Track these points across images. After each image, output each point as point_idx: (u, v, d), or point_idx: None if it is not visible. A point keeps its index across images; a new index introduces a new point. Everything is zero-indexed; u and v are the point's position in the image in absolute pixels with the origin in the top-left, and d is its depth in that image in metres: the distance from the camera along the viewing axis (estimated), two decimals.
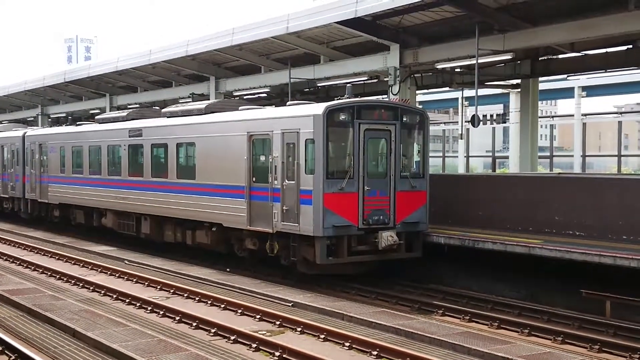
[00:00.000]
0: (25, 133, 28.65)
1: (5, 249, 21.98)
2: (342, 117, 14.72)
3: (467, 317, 13.03)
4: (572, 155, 34.24)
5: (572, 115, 35.58)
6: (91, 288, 15.69)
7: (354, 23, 17.78)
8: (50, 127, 32.72)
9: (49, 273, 17.65)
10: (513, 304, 13.79)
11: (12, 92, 38.13)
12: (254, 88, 24.68)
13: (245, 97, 25.26)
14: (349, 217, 14.67)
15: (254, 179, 16.12)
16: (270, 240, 15.77)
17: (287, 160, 15.14)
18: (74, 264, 19.30)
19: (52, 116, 39.42)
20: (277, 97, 25.49)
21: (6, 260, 19.98)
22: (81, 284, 16.15)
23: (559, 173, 22.10)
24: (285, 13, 19.45)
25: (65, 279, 16.83)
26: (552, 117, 48.38)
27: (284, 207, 15.07)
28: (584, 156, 32.52)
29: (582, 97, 34.57)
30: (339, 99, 15.79)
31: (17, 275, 17.25)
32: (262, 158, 16.03)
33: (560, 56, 19.86)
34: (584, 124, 33.28)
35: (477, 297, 14.41)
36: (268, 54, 23.34)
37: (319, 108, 14.79)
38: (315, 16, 18.44)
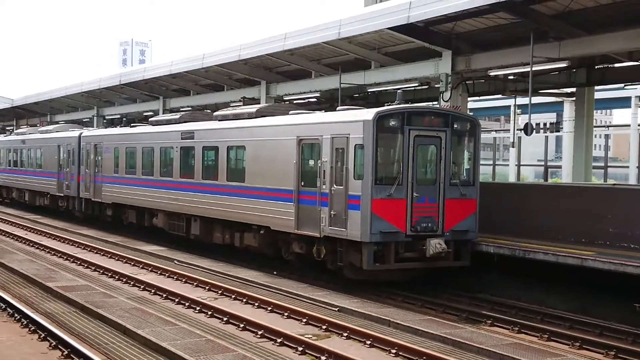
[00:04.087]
0: (81, 134, 29.38)
1: (59, 246, 22.57)
2: (392, 123, 14.68)
3: (516, 328, 12.82)
4: (627, 166, 33.45)
5: (629, 125, 34.76)
6: (142, 287, 15.99)
7: (407, 29, 17.72)
8: (105, 128, 33.52)
9: (101, 271, 18.06)
10: (564, 316, 13.51)
11: (70, 94, 39.17)
12: (304, 93, 24.79)
13: (295, 101, 25.41)
14: (396, 224, 14.60)
15: (302, 183, 16.20)
16: (317, 244, 15.81)
17: (336, 165, 15.17)
18: (126, 262, 19.70)
19: (107, 117, 40.35)
20: (327, 102, 25.56)
21: (60, 257, 20.52)
22: (132, 283, 16.48)
23: (614, 184, 21.59)
24: (337, 19, 19.50)
25: (116, 277, 17.20)
26: (607, 126, 47.35)
27: (332, 212, 15.10)
28: None
29: (639, 106, 33.72)
30: (389, 104, 15.75)
31: (70, 272, 17.69)
32: (311, 162, 16.10)
33: (617, 65, 19.41)
34: None
35: (527, 308, 14.17)
36: (319, 59, 23.43)
37: (369, 113, 14.78)
38: (367, 22, 18.43)
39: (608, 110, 67.96)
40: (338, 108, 17.42)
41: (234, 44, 24.40)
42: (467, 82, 19.61)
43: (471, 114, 21.60)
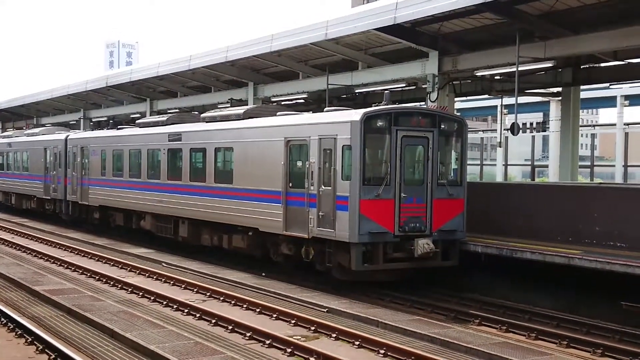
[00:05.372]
0: (67, 136, 29.22)
1: (46, 249, 22.44)
2: (379, 123, 14.70)
3: (504, 327, 12.86)
4: (613, 165, 33.65)
5: (614, 125, 34.99)
6: (129, 289, 15.92)
7: (393, 30, 17.75)
8: (92, 130, 33.36)
9: (89, 274, 17.96)
10: (551, 314, 13.58)
11: (56, 96, 38.92)
12: (292, 94, 24.79)
13: (283, 103, 25.39)
14: (385, 224, 14.62)
15: (290, 184, 16.19)
16: (305, 245, 15.81)
17: (324, 166, 15.17)
18: (113, 265, 19.61)
19: (93, 120, 40.15)
20: (315, 103, 25.55)
21: (47, 260, 20.39)
22: (120, 286, 16.40)
23: (600, 183, 21.72)
24: (324, 20, 19.50)
25: (104, 280, 17.11)
26: (594, 126, 47.63)
27: (320, 213, 15.10)
28: (625, 166, 31.92)
29: (625, 106, 33.96)
30: (377, 105, 15.77)
31: (57, 275, 17.59)
32: (299, 163, 16.09)
33: (603, 64, 19.54)
34: (626, 134, 32.68)
35: (515, 307, 14.23)
36: (306, 60, 23.43)
37: (356, 114, 14.80)
38: (354, 23, 18.45)
39: (594, 110, 68.39)
40: (326, 109, 17.43)
41: (221, 46, 24.34)
42: (454, 82, 19.67)
43: (458, 114, 21.67)
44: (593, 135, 39.66)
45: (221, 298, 14.94)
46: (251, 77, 26.01)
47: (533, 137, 39.15)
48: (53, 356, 10.33)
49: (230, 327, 12.35)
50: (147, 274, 17.97)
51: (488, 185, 23.00)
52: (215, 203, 19.02)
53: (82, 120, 40.54)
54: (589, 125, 47.97)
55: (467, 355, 10.77)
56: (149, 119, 26.28)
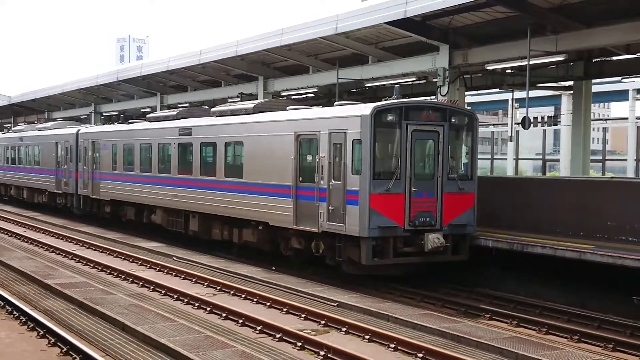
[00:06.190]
0: (78, 130, 29.33)
1: (58, 243, 22.57)
2: (389, 117, 14.67)
3: (515, 322, 12.84)
4: (625, 159, 33.46)
5: (626, 118, 34.78)
6: (140, 283, 15.99)
7: (404, 23, 17.70)
8: (103, 125, 33.48)
9: (100, 268, 18.06)
10: (562, 309, 13.53)
11: (67, 91, 39.10)
12: (302, 88, 24.78)
13: (293, 97, 25.38)
14: (395, 218, 14.60)
15: (300, 179, 16.20)
16: (315, 239, 15.82)
17: (334, 161, 15.16)
18: (124, 259, 19.70)
19: (104, 114, 40.31)
20: (325, 97, 25.54)
21: (59, 254, 20.51)
22: (131, 279, 16.48)
23: (612, 177, 21.60)
24: (334, 14, 19.48)
25: (115, 274, 17.20)
26: (605, 120, 47.37)
27: (330, 207, 15.10)
28: (637, 160, 31.73)
29: (637, 99, 33.72)
30: (387, 99, 15.74)
31: (69, 269, 17.70)
32: (309, 158, 16.09)
33: (615, 58, 19.41)
34: (638, 127, 32.47)
35: (525, 302, 14.19)
36: (316, 54, 23.41)
37: (366, 108, 14.77)
38: (364, 17, 18.42)
39: (606, 104, 68.00)
40: (336, 103, 17.40)
41: (231, 40, 24.36)
42: (464, 76, 19.61)
43: (469, 108, 21.59)
44: (605, 129, 39.43)
45: (231, 292, 14.98)
46: (261, 71, 26.01)
47: (544, 131, 38.97)
48: (65, 349, 10.39)
49: (240, 321, 12.39)
50: (157, 268, 18.04)
51: (499, 179, 22.91)
52: (225, 197, 19.06)
53: (93, 114, 40.71)
54: (601, 119, 47.70)
55: (477, 350, 10.76)
56: (159, 113, 26.32)
